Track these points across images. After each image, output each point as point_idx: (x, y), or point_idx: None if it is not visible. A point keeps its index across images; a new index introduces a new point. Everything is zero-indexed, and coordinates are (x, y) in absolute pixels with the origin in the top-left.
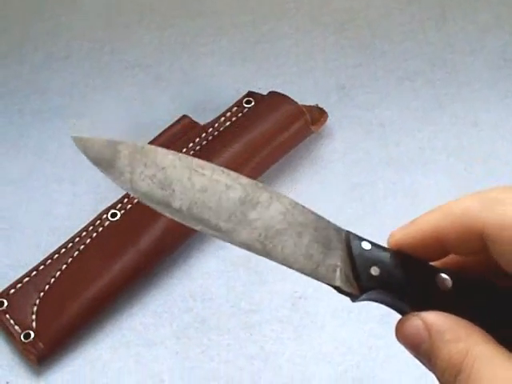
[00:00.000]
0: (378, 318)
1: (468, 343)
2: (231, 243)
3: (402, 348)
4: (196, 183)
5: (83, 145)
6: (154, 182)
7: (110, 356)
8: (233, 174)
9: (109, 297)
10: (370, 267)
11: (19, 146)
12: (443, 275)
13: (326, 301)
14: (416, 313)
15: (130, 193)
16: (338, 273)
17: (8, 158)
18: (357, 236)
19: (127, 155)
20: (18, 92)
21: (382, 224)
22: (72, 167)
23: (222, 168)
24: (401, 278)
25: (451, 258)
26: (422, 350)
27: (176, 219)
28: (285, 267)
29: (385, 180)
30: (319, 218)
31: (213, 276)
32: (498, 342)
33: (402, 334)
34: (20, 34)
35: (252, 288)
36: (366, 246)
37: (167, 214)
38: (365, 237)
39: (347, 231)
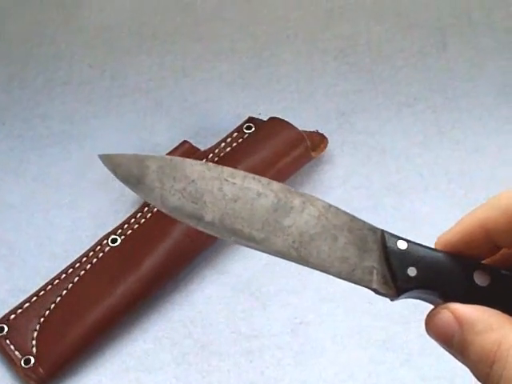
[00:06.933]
0: (378, 344)
1: (500, 333)
2: (265, 252)
3: (403, 374)
4: (227, 193)
5: (112, 163)
6: (185, 196)
7: (110, 381)
8: (264, 180)
9: (109, 322)
10: (407, 268)
11: (19, 171)
12: (481, 271)
13: (326, 326)
14: (444, 305)
15: (160, 209)
16: (374, 275)
17: (8, 183)
18: (392, 235)
19: (156, 170)
20: (19, 117)
21: None
22: (72, 193)
23: (252, 175)
24: (438, 277)
25: (502, 255)
26: (454, 342)
27: (208, 232)
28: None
29: (385, 206)
30: (354, 218)
31: (213, 302)
32: None
33: (432, 328)
34: (21, 60)
35: (252, 314)
36: (401, 245)
37: (200, 228)
38: None
39: (382, 230)
